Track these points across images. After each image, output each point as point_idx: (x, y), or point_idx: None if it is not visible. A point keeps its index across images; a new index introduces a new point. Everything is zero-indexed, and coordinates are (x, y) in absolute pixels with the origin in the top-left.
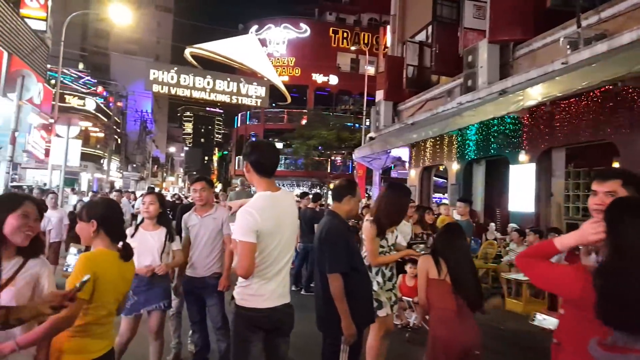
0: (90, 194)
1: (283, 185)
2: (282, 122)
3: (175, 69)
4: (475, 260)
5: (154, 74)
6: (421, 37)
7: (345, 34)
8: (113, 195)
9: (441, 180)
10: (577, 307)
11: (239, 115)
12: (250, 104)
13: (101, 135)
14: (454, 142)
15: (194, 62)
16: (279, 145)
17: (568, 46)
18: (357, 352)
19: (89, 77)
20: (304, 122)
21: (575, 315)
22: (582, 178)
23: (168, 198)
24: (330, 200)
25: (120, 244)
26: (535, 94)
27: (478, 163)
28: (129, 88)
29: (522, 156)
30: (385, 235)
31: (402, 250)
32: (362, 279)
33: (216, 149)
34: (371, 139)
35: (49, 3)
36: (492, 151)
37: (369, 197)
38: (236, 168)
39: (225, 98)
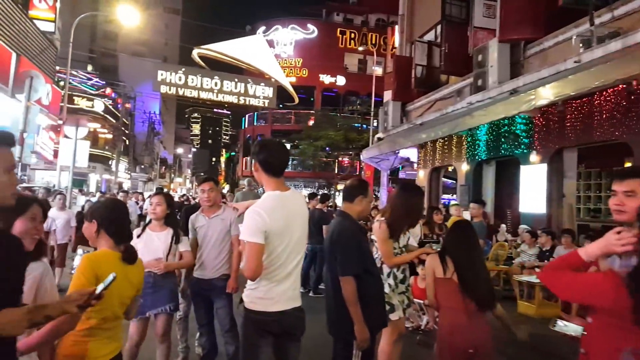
0: (97, 194)
1: (290, 186)
2: (289, 123)
3: (183, 69)
4: (486, 262)
5: (161, 75)
6: (430, 36)
7: (352, 35)
8: (119, 196)
9: (449, 181)
10: (610, 315)
11: (247, 116)
12: (258, 104)
13: (109, 136)
14: (464, 143)
15: (202, 63)
16: (287, 146)
17: (581, 45)
18: (370, 357)
19: (97, 79)
20: (311, 123)
21: (607, 323)
22: (594, 179)
23: (176, 199)
24: (337, 201)
25: (123, 245)
26: (548, 93)
27: (488, 164)
28: (137, 89)
29: (533, 156)
30: (399, 236)
31: (414, 251)
32: (375, 281)
33: (223, 150)
34: (379, 139)
35: (58, 4)
36: (502, 151)
37: (377, 198)
38: (243, 169)
39: (232, 99)
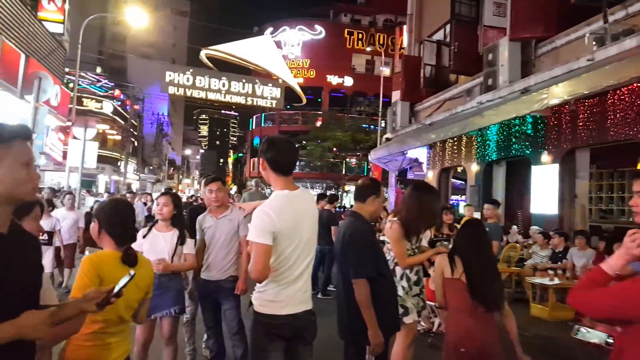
0: (105, 195)
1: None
2: (296, 124)
3: (191, 71)
4: (498, 264)
5: (169, 76)
6: (438, 36)
7: (360, 35)
8: (126, 197)
9: (458, 182)
10: None
11: (254, 117)
12: (266, 105)
13: (118, 137)
14: (474, 143)
15: (210, 64)
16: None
17: (594, 42)
18: None
19: (106, 81)
20: (318, 124)
21: None
22: (606, 179)
23: (184, 200)
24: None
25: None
26: (561, 92)
27: (498, 164)
28: (146, 91)
29: (545, 157)
30: (415, 237)
31: (427, 251)
32: (388, 284)
33: (231, 151)
34: (387, 139)
35: (66, 6)
36: (513, 152)
37: (385, 200)
38: (251, 170)
39: (240, 99)
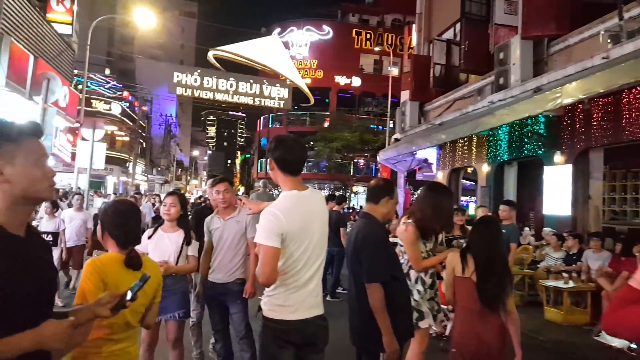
0: (111, 196)
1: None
2: (304, 124)
3: (199, 71)
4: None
5: (177, 76)
6: (448, 35)
7: (368, 35)
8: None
9: (468, 182)
10: None
11: (261, 118)
12: (273, 105)
13: (127, 139)
14: (484, 143)
15: (217, 65)
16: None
17: (609, 40)
18: None
19: (115, 82)
20: (326, 124)
21: None
22: (619, 180)
23: (192, 201)
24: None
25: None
26: (575, 91)
27: (510, 164)
28: (154, 92)
29: (558, 157)
30: (429, 239)
31: (443, 252)
32: (402, 288)
33: (239, 152)
34: (396, 140)
35: (75, 7)
36: (524, 152)
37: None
38: (258, 171)
39: (248, 100)
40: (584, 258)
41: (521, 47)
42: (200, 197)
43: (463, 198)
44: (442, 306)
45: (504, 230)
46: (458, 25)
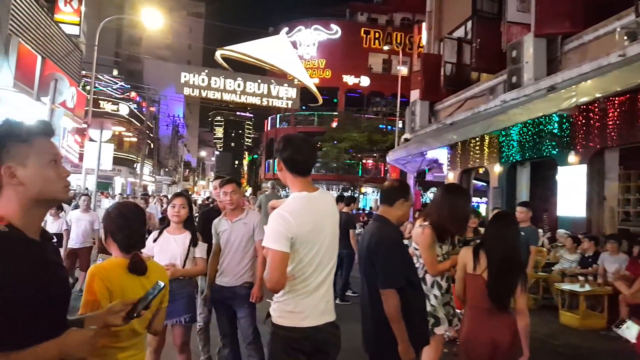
0: (117, 197)
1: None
2: (312, 125)
3: (206, 71)
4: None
5: (185, 77)
6: (459, 33)
7: (377, 34)
8: (138, 201)
9: (479, 183)
10: None
11: (269, 118)
12: (281, 105)
13: (134, 139)
14: (496, 143)
15: (225, 65)
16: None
17: (625, 37)
18: None
19: (122, 83)
20: (334, 124)
21: None
22: (634, 181)
23: (199, 202)
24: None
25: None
26: (591, 89)
27: (522, 165)
28: (162, 93)
29: (572, 157)
30: (445, 242)
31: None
32: (417, 293)
33: (246, 153)
34: (406, 140)
35: (83, 8)
36: (538, 152)
37: None
38: (266, 172)
39: (255, 100)
40: (600, 260)
41: (534, 45)
42: (207, 197)
43: (474, 199)
44: (457, 310)
45: (522, 233)
46: (469, 23)
